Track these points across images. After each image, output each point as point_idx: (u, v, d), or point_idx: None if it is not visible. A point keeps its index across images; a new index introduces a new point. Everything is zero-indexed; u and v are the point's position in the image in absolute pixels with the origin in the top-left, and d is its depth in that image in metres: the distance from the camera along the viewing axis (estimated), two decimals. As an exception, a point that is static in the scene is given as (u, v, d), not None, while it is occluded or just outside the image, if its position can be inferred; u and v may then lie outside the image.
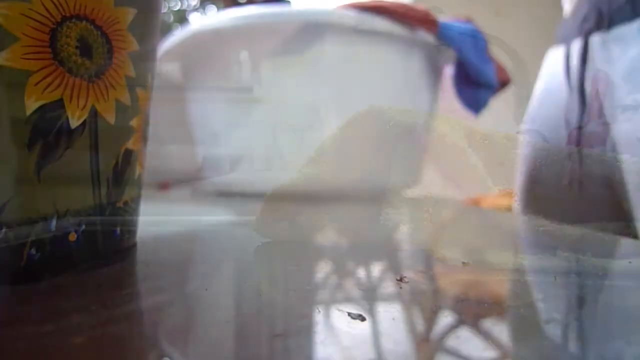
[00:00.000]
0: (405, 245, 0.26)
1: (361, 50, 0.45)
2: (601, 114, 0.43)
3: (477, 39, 0.48)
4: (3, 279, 0.15)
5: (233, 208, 0.41)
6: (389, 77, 0.48)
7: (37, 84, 0.14)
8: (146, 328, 0.12)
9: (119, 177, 0.18)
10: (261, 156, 0.48)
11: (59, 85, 0.15)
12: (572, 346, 0.12)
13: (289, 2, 0.61)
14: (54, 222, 0.15)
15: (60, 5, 0.15)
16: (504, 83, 0.51)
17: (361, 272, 0.19)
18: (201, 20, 0.46)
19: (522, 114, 0.55)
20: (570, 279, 0.18)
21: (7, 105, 0.14)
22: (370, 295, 0.15)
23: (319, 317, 0.13)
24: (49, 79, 0.15)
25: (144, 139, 0.20)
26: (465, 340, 0.12)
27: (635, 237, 0.38)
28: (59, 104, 0.15)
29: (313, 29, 0.44)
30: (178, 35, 0.49)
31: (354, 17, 0.44)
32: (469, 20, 0.49)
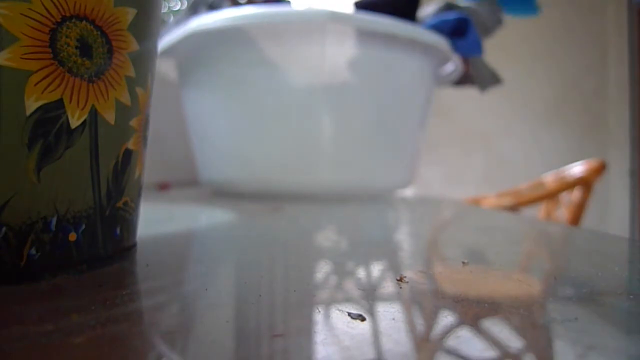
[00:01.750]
0: (405, 245, 0.26)
1: (360, 50, 0.45)
2: None
3: (456, 25, 0.50)
4: (3, 279, 0.15)
5: (233, 208, 0.41)
6: (387, 77, 0.48)
7: (37, 84, 0.14)
8: (146, 328, 0.12)
9: (119, 177, 0.18)
10: (260, 157, 0.48)
11: (59, 85, 0.15)
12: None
13: (289, 2, 0.61)
14: (54, 222, 0.15)
15: (60, 5, 0.15)
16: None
17: (361, 272, 0.19)
18: (200, 20, 0.46)
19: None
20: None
21: (7, 105, 0.14)
22: (370, 295, 0.15)
23: (319, 317, 0.13)
24: (49, 79, 0.15)
25: (144, 139, 0.20)
26: (465, 340, 0.12)
27: None
28: (59, 104, 0.15)
29: (312, 30, 0.44)
30: (177, 34, 0.49)
31: (354, 18, 0.44)
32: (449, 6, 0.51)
